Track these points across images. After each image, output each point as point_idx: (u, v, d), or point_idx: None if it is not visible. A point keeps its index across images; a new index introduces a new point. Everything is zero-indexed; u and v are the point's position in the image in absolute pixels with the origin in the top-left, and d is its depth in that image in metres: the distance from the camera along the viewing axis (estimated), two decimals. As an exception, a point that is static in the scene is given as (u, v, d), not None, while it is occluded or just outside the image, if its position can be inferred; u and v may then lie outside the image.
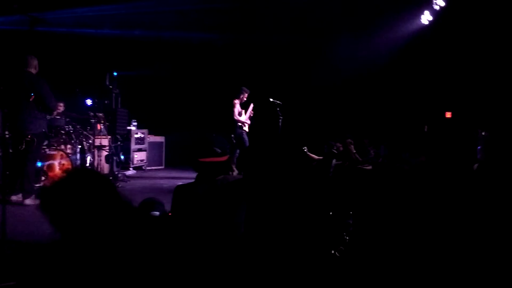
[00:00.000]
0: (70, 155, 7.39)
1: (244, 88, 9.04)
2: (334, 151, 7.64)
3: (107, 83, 9.51)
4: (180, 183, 2.87)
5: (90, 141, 8.34)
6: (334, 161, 7.17)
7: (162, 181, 9.00)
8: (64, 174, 1.76)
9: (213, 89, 11.77)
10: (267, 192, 2.77)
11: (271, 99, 8.23)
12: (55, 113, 7.08)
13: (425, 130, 9.76)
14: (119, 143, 9.48)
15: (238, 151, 8.77)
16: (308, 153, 7.94)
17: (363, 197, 5.12)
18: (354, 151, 7.46)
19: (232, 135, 8.79)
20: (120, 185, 8.07)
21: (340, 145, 7.94)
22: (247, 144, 8.77)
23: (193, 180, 2.87)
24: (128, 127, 10.42)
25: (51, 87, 6.20)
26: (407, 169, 6.20)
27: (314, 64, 11.15)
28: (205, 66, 11.91)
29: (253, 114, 9.15)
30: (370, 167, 6.88)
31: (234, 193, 2.71)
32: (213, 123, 11.08)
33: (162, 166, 11.40)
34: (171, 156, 11.50)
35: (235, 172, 7.33)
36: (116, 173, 8.84)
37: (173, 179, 9.08)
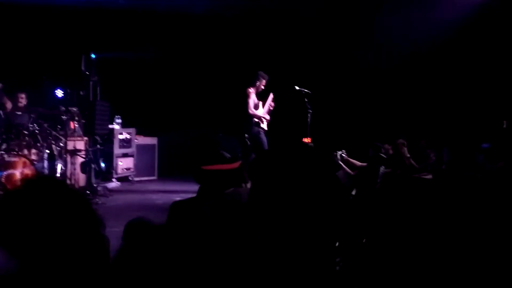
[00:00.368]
0: (35, 162, 7.45)
1: (262, 73, 9.01)
2: (382, 155, 7.56)
3: (83, 68, 9.59)
4: (178, 199, 2.89)
5: (61, 144, 8.40)
6: (382, 168, 7.09)
7: (154, 196, 9.03)
8: (22, 184, 1.74)
9: (220, 75, 11.77)
10: (289, 214, 2.73)
11: (297, 87, 8.17)
12: (9, 106, 7.10)
13: (504, 126, 9.61)
14: (98, 146, 9.53)
15: (253, 155, 8.74)
16: (347, 158, 7.88)
17: (420, 216, 5.04)
18: (408, 155, 7.38)
19: (246, 135, 8.77)
20: (99, 201, 8.11)
21: (390, 147, 7.87)
22: (265, 145, 8.74)
23: (194, 195, 2.87)
24: (110, 126, 10.49)
25: (9, 73, 6.26)
26: (480, 178, 6.09)
27: (354, 43, 11.06)
28: (210, 45, 11.92)
29: (274, 107, 9.11)
30: (429, 176, 6.79)
31: (249, 213, 2.69)
32: (221, 120, 11.07)
33: (154, 176, 11.44)
34: (166, 163, 11.53)
35: (250, 184, 7.29)
36: (95, 185, 8.90)
37: (169, 193, 9.10)
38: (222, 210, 2.67)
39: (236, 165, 2.87)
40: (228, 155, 2.86)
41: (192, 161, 2.86)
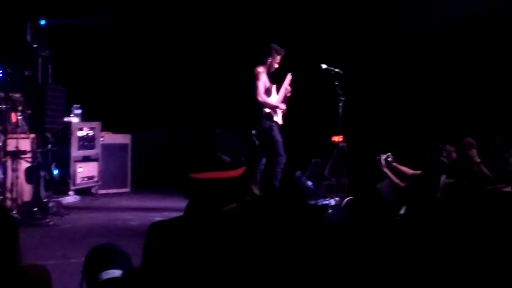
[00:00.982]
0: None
1: (275, 47, 9.02)
2: (443, 159, 7.56)
3: (29, 39, 9.61)
4: (159, 219, 2.86)
5: (0, 144, 8.43)
6: (443, 178, 7.09)
7: (126, 215, 9.04)
8: None
9: (218, 49, 11.76)
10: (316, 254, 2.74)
11: (324, 66, 8.19)
12: None
13: None
14: (50, 146, 9.54)
15: (263, 160, 8.74)
16: (394, 164, 7.88)
17: (497, 244, 5.02)
18: (479, 160, 7.37)
19: (253, 131, 8.78)
20: (51, 222, 8.12)
21: (453, 149, 7.86)
22: (280, 146, 8.74)
23: (181, 213, 2.86)
24: (66, 118, 10.50)
25: None
26: None
27: (400, 9, 11.04)
28: (203, 6, 11.91)
29: (291, 92, 9.12)
30: (508, 189, 6.78)
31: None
32: (218, 110, 11.07)
33: (126, 188, 11.46)
34: (143, 170, 11.55)
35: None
36: (45, 200, 8.90)
37: (146, 212, 9.14)
38: (219, 234, 2.67)
39: (238, 172, 2.86)
40: (227, 159, 2.86)
41: (179, 166, 2.87)
